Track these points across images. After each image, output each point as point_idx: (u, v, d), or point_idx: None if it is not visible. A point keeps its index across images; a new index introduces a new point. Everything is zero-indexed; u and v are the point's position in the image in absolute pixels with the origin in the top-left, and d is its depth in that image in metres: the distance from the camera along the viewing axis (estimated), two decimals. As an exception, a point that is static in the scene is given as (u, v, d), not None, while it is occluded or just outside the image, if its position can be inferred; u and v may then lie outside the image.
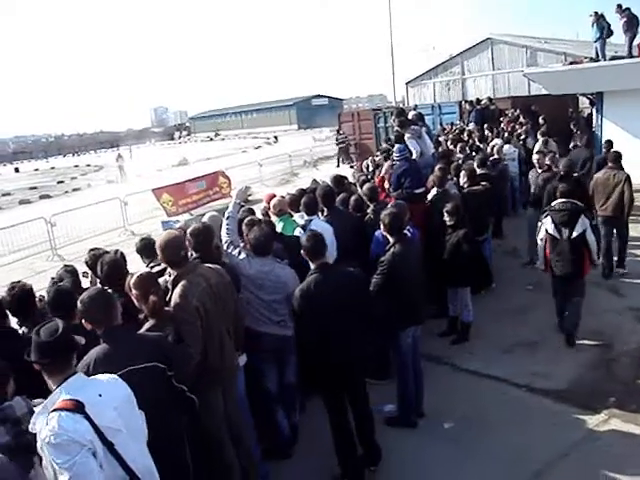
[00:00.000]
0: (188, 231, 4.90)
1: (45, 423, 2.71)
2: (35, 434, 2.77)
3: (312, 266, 4.91)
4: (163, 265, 5.33)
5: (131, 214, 18.64)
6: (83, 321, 3.61)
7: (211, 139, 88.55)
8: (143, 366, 3.38)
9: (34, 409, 3.03)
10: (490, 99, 21.26)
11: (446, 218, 7.16)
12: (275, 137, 61.56)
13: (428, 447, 5.45)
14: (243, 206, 6.32)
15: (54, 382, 2.89)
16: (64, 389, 2.83)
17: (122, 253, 5.16)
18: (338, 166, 26.70)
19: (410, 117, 10.20)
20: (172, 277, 4.36)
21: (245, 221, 5.83)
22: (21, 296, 4.44)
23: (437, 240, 7.30)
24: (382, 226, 5.70)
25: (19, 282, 4.62)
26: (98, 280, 5.02)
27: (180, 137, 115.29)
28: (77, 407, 2.73)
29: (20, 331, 4.31)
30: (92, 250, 5.48)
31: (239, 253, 5.20)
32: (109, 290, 4.10)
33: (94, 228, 17.13)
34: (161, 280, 4.66)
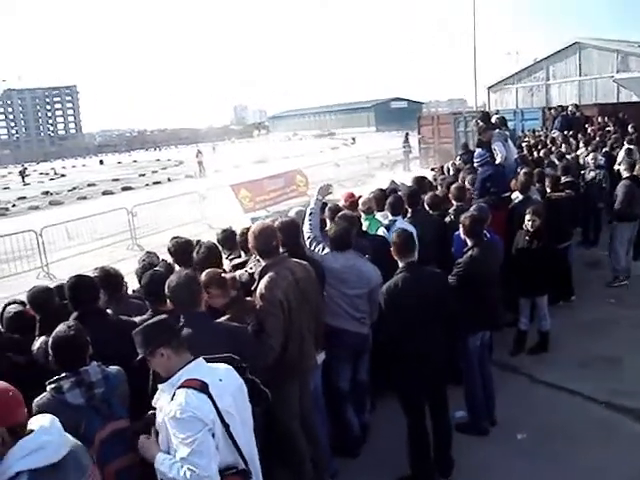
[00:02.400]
0: (276, 225, 4.93)
1: (170, 399, 2.87)
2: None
3: (400, 264, 4.88)
4: (243, 258, 5.42)
5: (209, 208, 18.95)
6: (168, 302, 3.73)
7: (289, 138, 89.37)
8: (217, 356, 3.41)
9: (105, 374, 3.19)
10: (576, 106, 20.68)
11: (527, 223, 6.95)
12: (353, 139, 61.70)
13: (499, 458, 5.28)
14: (325, 203, 6.34)
15: (175, 365, 3.02)
16: (188, 370, 2.98)
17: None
18: (405, 171, 26.62)
19: (493, 121, 10.03)
20: (260, 267, 4.41)
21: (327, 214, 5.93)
22: (110, 277, 4.71)
23: (515, 247, 7.10)
24: (462, 228, 5.63)
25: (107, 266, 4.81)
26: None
27: (259, 135, 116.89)
28: (203, 387, 2.87)
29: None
30: (174, 238, 5.58)
31: (323, 248, 5.23)
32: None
33: (173, 220, 17.45)
34: (241, 272, 4.73)
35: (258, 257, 4.54)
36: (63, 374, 3.18)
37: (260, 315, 4.20)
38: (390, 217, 6.53)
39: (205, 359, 3.20)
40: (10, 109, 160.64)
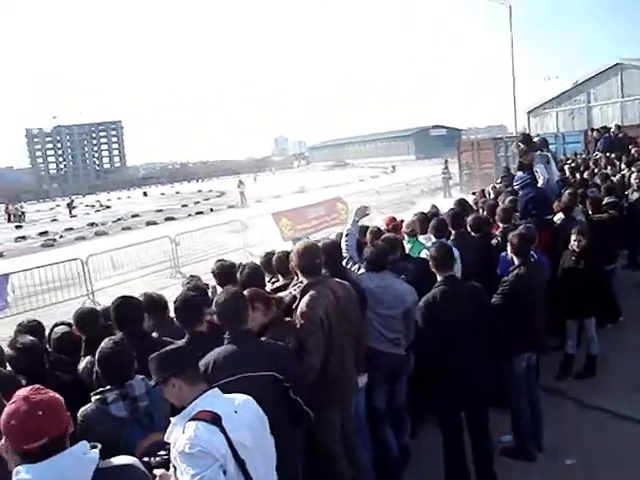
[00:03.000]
0: (320, 246, 5.01)
1: (181, 432, 2.72)
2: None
3: (439, 278, 4.86)
4: (282, 281, 5.45)
5: (250, 237, 19.11)
6: (215, 317, 3.78)
7: (329, 168, 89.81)
8: (260, 374, 3.42)
9: (149, 389, 3.24)
10: (618, 127, 20.36)
11: (573, 244, 6.83)
12: (393, 167, 61.81)
13: (547, 484, 5.15)
14: (364, 226, 6.38)
15: (190, 394, 2.91)
16: (201, 401, 2.85)
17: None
18: (445, 197, 26.54)
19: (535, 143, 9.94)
20: (302, 286, 4.42)
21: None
22: (154, 301, 4.83)
23: (562, 267, 6.99)
24: (509, 246, 5.58)
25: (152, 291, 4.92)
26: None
27: (299, 166, 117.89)
28: (214, 419, 2.73)
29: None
30: (219, 260, 5.68)
31: (358, 268, 5.24)
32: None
33: (215, 248, 17.66)
34: (285, 293, 4.77)
35: (300, 275, 4.55)
36: (108, 387, 3.27)
37: (300, 334, 4.21)
38: (433, 239, 6.51)
39: (248, 377, 3.21)
40: (59, 144, 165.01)
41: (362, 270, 5.24)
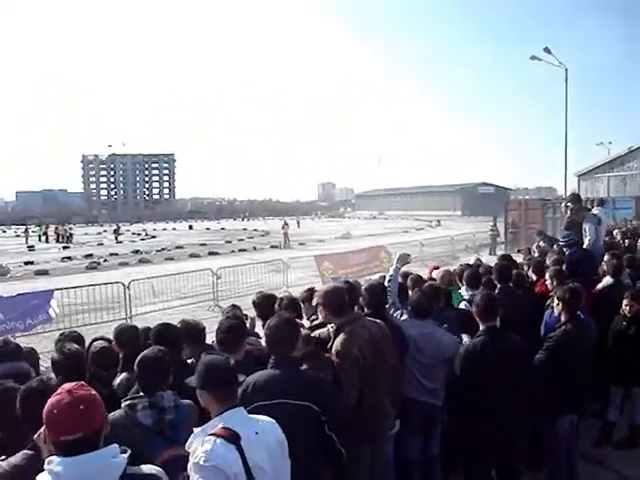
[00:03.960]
0: (364, 286, 5.13)
1: (200, 444, 2.78)
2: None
3: (481, 327, 4.80)
4: (321, 319, 5.44)
5: (291, 277, 19.19)
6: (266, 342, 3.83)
7: (374, 217, 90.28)
8: (297, 403, 3.40)
9: (178, 404, 3.33)
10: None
11: (625, 308, 6.64)
12: (438, 221, 61.70)
13: None
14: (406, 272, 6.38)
15: (214, 410, 2.98)
16: (223, 419, 2.90)
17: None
18: (490, 254, 26.32)
19: (597, 202, 9.87)
20: (335, 327, 4.41)
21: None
22: (192, 328, 4.83)
23: (612, 331, 6.80)
24: (558, 302, 5.48)
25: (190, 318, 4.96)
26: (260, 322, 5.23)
27: (345, 212, 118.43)
28: (233, 437, 2.78)
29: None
30: (260, 292, 5.72)
31: (401, 315, 5.19)
32: None
33: (255, 285, 17.71)
34: (322, 330, 4.75)
35: (329, 315, 4.51)
36: (139, 394, 3.35)
37: (336, 372, 4.18)
38: (470, 292, 6.46)
39: (284, 403, 3.19)
40: (112, 172, 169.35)
41: (405, 316, 5.20)
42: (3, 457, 3.03)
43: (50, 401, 2.30)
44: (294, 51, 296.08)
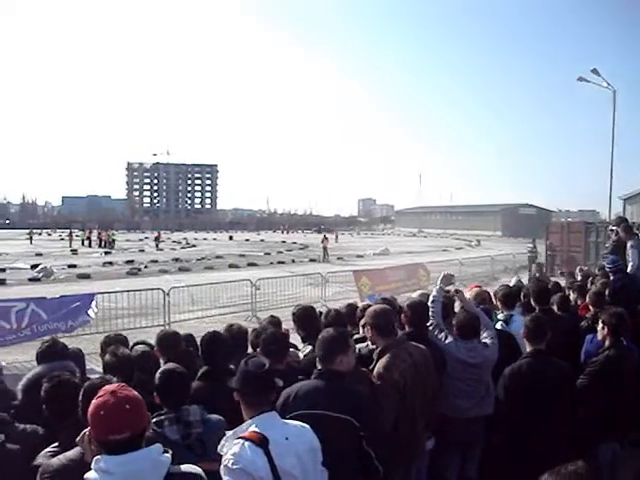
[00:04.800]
0: (406, 304, 5.13)
1: (230, 447, 2.83)
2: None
3: (527, 349, 4.76)
4: (362, 334, 5.43)
5: (328, 291, 19.21)
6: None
7: (414, 234, 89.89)
8: (337, 416, 3.39)
9: (206, 418, 3.35)
10: None
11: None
12: (478, 240, 61.20)
13: None
14: (448, 291, 6.33)
15: (247, 414, 3.00)
16: (255, 422, 2.92)
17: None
18: (530, 276, 25.96)
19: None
20: (379, 348, 4.40)
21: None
22: (238, 335, 4.88)
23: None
24: (604, 326, 5.38)
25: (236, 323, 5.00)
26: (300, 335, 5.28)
27: (384, 229, 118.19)
28: (261, 441, 2.80)
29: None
30: (300, 304, 5.75)
31: (445, 337, 5.14)
32: None
33: (293, 298, 17.79)
34: (362, 345, 4.75)
35: (374, 335, 4.51)
36: (165, 410, 3.38)
37: (375, 393, 4.15)
38: (506, 312, 6.41)
39: (323, 415, 3.19)
40: (156, 180, 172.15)
41: (450, 338, 5.15)
42: (57, 444, 3.19)
43: (95, 403, 2.35)
44: (345, 69, 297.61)
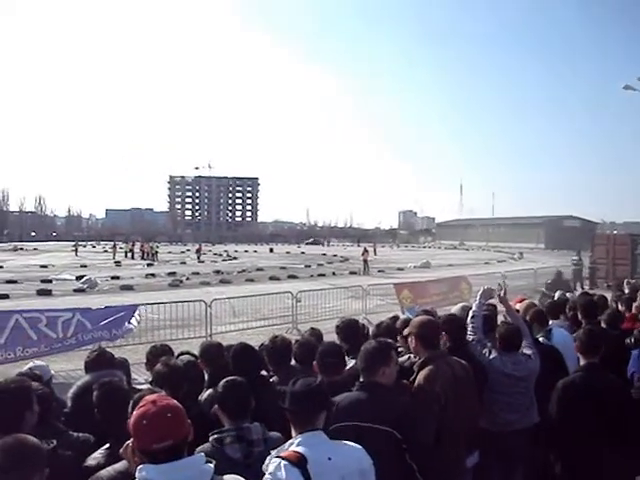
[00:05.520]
0: (442, 319, 5.12)
1: (268, 466, 2.81)
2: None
3: (581, 362, 4.70)
4: (403, 348, 5.40)
5: (370, 304, 19.11)
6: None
7: (455, 247, 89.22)
8: (379, 427, 3.36)
9: (266, 437, 3.30)
10: None
11: None
12: (520, 253, 60.34)
13: None
14: (491, 305, 6.25)
15: (294, 432, 2.97)
16: (297, 441, 2.89)
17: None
18: (575, 289, 25.48)
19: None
20: (420, 360, 4.37)
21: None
22: (282, 347, 4.84)
23: None
24: None
25: (280, 335, 5.06)
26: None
27: (424, 242, 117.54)
28: (299, 460, 2.75)
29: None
30: (344, 317, 5.76)
31: (489, 352, 5.06)
32: None
33: (333, 310, 17.77)
34: (404, 358, 4.72)
35: (418, 346, 4.46)
36: (226, 427, 3.33)
37: (416, 407, 4.10)
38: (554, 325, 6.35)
39: (365, 426, 3.16)
40: (197, 194, 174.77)
41: (494, 353, 5.07)
42: (107, 447, 3.28)
43: (136, 413, 2.37)
44: (386, 81, 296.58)
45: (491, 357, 5.03)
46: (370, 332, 5.76)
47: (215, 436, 3.27)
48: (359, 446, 2.99)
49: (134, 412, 2.39)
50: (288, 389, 3.08)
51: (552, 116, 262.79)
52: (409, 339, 4.52)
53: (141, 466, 2.32)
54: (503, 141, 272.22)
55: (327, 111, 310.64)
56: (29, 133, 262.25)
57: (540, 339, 6.02)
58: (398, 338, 5.31)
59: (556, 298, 8.24)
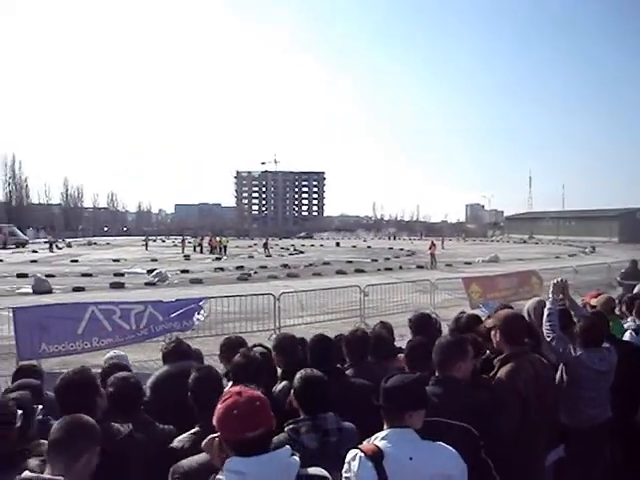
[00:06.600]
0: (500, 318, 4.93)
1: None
2: None
3: None
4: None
5: (437, 298, 18.95)
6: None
7: (524, 241, 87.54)
8: (455, 423, 3.32)
9: (340, 426, 3.33)
10: None
11: None
12: (592, 247, 58.80)
13: None
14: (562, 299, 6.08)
15: (385, 427, 2.96)
16: (382, 435, 2.88)
17: None
18: None
19: None
20: (502, 355, 4.30)
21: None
22: (362, 339, 4.89)
23: None
24: None
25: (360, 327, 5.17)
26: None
27: (493, 235, 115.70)
28: (375, 454, 2.75)
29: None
30: (417, 311, 5.74)
31: (574, 349, 4.92)
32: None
33: (400, 305, 17.73)
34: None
35: (501, 341, 4.39)
36: (301, 417, 3.36)
37: (496, 403, 4.04)
38: (637, 321, 6.10)
39: (440, 422, 3.13)
40: (264, 189, 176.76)
41: (579, 351, 4.92)
42: (195, 430, 3.41)
43: (224, 406, 2.39)
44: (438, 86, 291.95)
45: (578, 353, 4.90)
46: (440, 326, 5.71)
47: (291, 426, 3.30)
48: (454, 451, 2.92)
49: (219, 405, 2.41)
50: (382, 384, 3.07)
51: (631, 101, 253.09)
52: (492, 332, 4.45)
53: (230, 459, 2.34)
54: (573, 130, 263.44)
55: (393, 102, 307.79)
56: (100, 132, 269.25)
57: (627, 336, 5.88)
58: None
59: (636, 291, 7.94)
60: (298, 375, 3.57)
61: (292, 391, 3.55)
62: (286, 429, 3.31)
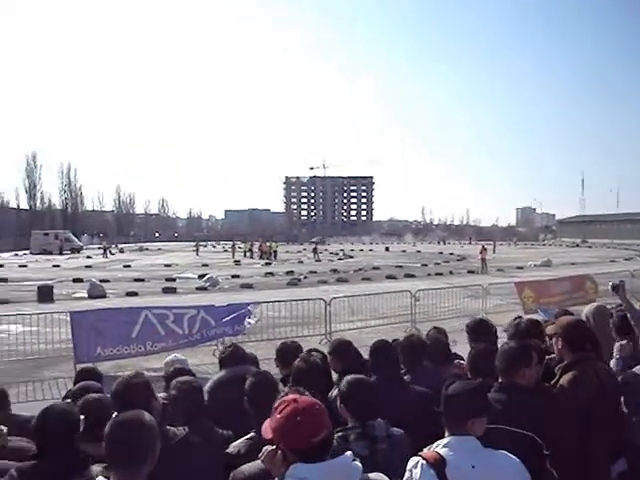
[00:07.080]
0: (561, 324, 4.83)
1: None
2: None
3: None
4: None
5: (490, 303, 18.71)
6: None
7: (577, 245, 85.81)
8: (519, 431, 3.25)
9: (390, 433, 3.32)
10: None
11: None
12: (649, 251, 57.37)
13: None
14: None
15: (446, 434, 2.92)
16: (444, 442, 2.84)
17: None
18: None
19: None
20: (564, 363, 4.18)
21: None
22: (418, 345, 4.90)
23: None
24: None
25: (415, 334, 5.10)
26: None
27: (544, 239, 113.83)
28: (436, 462, 2.70)
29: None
30: (474, 317, 5.67)
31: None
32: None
33: (452, 310, 17.61)
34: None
35: (564, 348, 4.28)
36: (351, 424, 3.35)
37: (557, 411, 3.95)
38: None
39: (504, 430, 3.08)
40: (312, 194, 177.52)
41: None
42: (251, 435, 3.44)
43: (284, 413, 2.35)
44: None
45: None
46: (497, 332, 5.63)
47: (340, 433, 3.27)
48: (517, 460, 2.86)
49: (278, 415, 2.37)
50: (443, 391, 3.03)
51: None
52: (554, 340, 4.35)
53: (294, 465, 2.30)
54: (627, 131, 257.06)
55: (441, 107, 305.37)
56: (152, 141, 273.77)
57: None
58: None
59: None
60: (345, 381, 3.53)
61: (339, 398, 3.50)
62: (335, 436, 3.27)
